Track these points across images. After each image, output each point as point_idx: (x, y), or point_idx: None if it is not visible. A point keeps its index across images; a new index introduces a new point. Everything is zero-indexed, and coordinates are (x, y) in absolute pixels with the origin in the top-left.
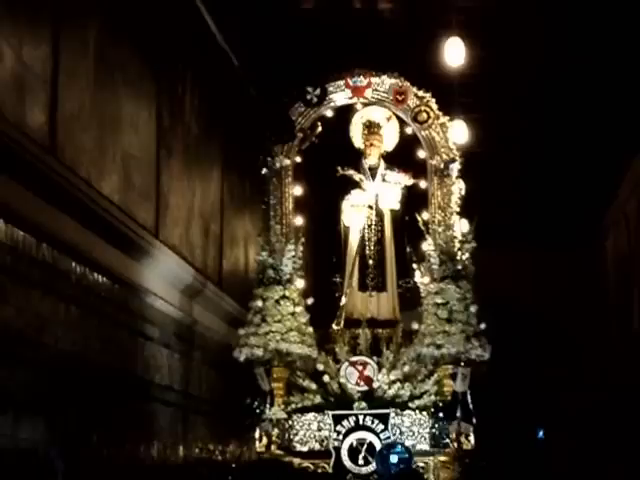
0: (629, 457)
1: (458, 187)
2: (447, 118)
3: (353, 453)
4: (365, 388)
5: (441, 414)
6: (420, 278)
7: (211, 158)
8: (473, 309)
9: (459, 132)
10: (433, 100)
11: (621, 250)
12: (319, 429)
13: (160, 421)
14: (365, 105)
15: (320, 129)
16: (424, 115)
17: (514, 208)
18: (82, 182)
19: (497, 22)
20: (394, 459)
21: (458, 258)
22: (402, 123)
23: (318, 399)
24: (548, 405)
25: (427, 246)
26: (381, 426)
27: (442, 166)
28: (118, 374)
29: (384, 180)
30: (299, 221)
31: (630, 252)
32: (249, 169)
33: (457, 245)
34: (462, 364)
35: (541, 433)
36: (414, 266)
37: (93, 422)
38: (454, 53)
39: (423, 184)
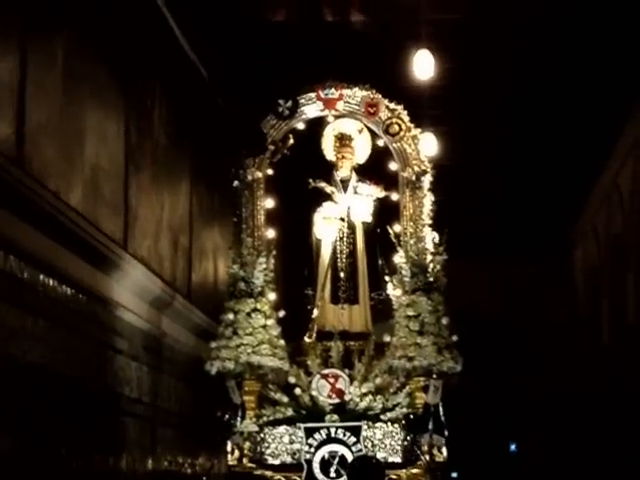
0: (600, 466)
1: (429, 199)
2: (419, 130)
3: (325, 466)
4: (337, 401)
5: (413, 426)
6: (392, 290)
7: (180, 170)
8: (445, 321)
9: (429, 144)
10: (405, 112)
11: (590, 262)
12: (291, 442)
13: (129, 434)
14: (337, 117)
15: (292, 141)
16: (395, 127)
17: (484, 219)
18: (50, 194)
19: (466, 34)
20: None
21: (429, 270)
22: (374, 135)
23: (290, 412)
24: (520, 417)
25: (399, 258)
26: (353, 439)
27: (414, 178)
28: (86, 387)
29: (356, 192)
30: (271, 234)
31: (599, 264)
32: (218, 182)
33: (429, 257)
34: (434, 376)
35: (513, 446)
36: (386, 278)
37: (61, 435)
38: (423, 66)
39: (395, 196)
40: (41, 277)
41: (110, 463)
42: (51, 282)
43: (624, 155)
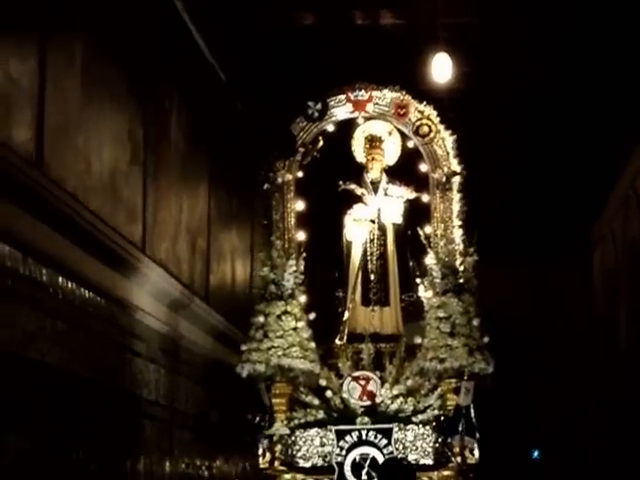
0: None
1: (460, 200)
2: (449, 132)
3: (356, 468)
4: (368, 403)
5: (444, 428)
6: (423, 292)
7: (198, 173)
8: (476, 322)
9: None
10: (434, 113)
11: (608, 265)
12: (322, 445)
13: (146, 436)
14: (366, 119)
15: (322, 144)
16: (425, 129)
17: (501, 222)
18: (68, 196)
19: (483, 38)
20: None
21: (460, 271)
22: (404, 137)
23: (321, 414)
24: (542, 423)
25: (429, 260)
26: (384, 441)
27: (444, 180)
28: (105, 389)
29: (386, 194)
30: (301, 236)
31: (617, 268)
32: (236, 185)
33: (459, 258)
34: (465, 378)
35: (536, 453)
36: (417, 280)
37: (80, 437)
38: (441, 69)
39: (425, 198)
40: (60, 280)
41: (128, 465)
42: (69, 285)
43: None
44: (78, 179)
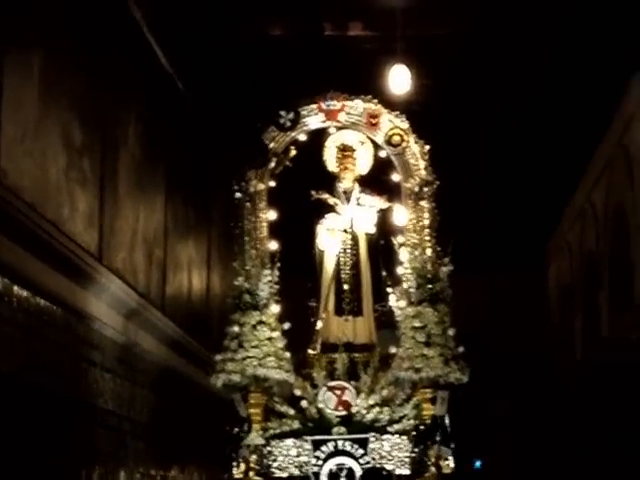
0: None
1: (433, 210)
2: (422, 141)
3: (333, 478)
4: (344, 413)
5: (420, 438)
6: (396, 302)
7: (155, 183)
8: (451, 332)
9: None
10: (407, 123)
11: (564, 278)
12: (298, 455)
13: (102, 445)
14: (339, 129)
15: (294, 153)
16: (397, 138)
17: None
18: (25, 206)
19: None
20: None
21: (435, 281)
22: (376, 146)
23: (296, 425)
24: (485, 433)
25: (403, 269)
26: (360, 451)
27: (416, 189)
28: (60, 398)
29: (359, 204)
30: (274, 246)
31: (573, 280)
32: (193, 194)
33: (433, 268)
34: (441, 387)
35: (478, 463)
36: (389, 290)
37: (34, 446)
38: (399, 80)
39: (398, 207)
40: (15, 288)
41: (83, 475)
42: (25, 294)
43: (598, 173)
44: (35, 188)
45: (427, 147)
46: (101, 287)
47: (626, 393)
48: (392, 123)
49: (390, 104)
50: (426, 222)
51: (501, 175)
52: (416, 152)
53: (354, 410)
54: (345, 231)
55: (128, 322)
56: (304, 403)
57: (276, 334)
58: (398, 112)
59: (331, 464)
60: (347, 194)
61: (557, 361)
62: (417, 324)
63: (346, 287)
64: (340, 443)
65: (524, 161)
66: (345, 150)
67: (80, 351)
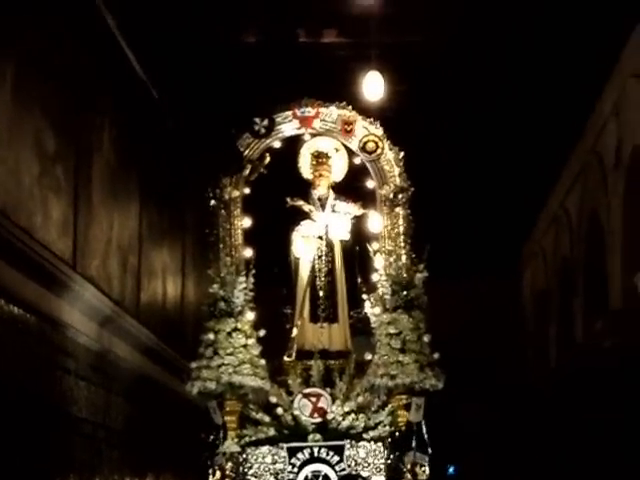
0: None
1: (408, 216)
2: (396, 148)
3: None
4: (319, 420)
5: (396, 445)
6: (371, 309)
7: (129, 190)
8: (426, 339)
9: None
10: (381, 130)
11: (538, 284)
12: (274, 462)
13: (77, 453)
14: (313, 135)
15: (268, 160)
16: (372, 145)
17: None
18: None
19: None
20: None
21: (410, 288)
22: (351, 153)
23: (272, 432)
24: (459, 439)
25: (378, 276)
26: (336, 458)
27: (391, 196)
28: (34, 406)
29: (334, 210)
30: (248, 253)
31: (547, 286)
32: (167, 202)
33: (408, 275)
34: (416, 394)
35: (452, 469)
36: (364, 297)
37: (8, 454)
38: (373, 86)
39: (373, 214)
40: None
41: None
42: None
43: (572, 179)
44: (8, 195)
45: (402, 154)
46: (75, 295)
47: (600, 399)
48: (367, 130)
49: (365, 111)
50: (401, 229)
51: (475, 181)
52: (391, 159)
53: (330, 417)
54: (320, 238)
55: (102, 329)
56: (279, 410)
57: (251, 341)
58: (372, 119)
59: (307, 471)
60: (322, 201)
61: (531, 367)
62: (392, 331)
63: (321, 294)
64: (316, 450)
65: (498, 167)
66: (320, 157)
67: (54, 359)
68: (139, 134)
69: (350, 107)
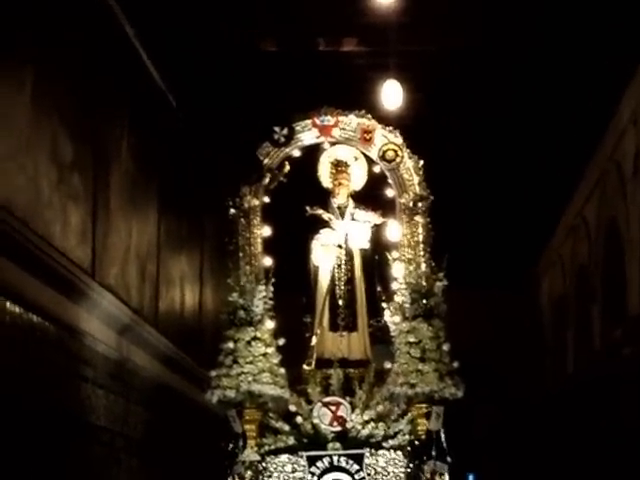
0: None
1: (427, 225)
2: (416, 156)
3: None
4: (339, 428)
5: (416, 454)
6: (390, 317)
7: (148, 198)
8: (446, 347)
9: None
10: (401, 138)
11: (556, 292)
12: (293, 471)
13: (95, 462)
14: (333, 144)
15: (288, 169)
16: (392, 154)
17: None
18: (18, 222)
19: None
20: None
21: (429, 296)
22: (370, 162)
23: (291, 440)
24: (479, 447)
25: (397, 285)
26: (356, 466)
27: (411, 204)
28: (53, 415)
29: (353, 219)
30: (268, 261)
31: (565, 294)
32: (185, 210)
33: (428, 283)
34: (436, 403)
35: (471, 477)
36: (384, 305)
37: (27, 463)
38: (392, 95)
39: (392, 223)
40: (8, 304)
41: None
42: (18, 310)
43: (590, 187)
44: (27, 204)
45: (421, 162)
46: (94, 303)
47: (618, 406)
48: (386, 138)
49: (383, 119)
50: (420, 237)
51: (493, 189)
52: (410, 167)
53: (349, 426)
54: (339, 246)
55: (121, 338)
56: (299, 419)
57: (271, 350)
58: (392, 127)
59: None
60: (341, 209)
61: (549, 374)
62: (412, 339)
63: (341, 302)
64: (335, 459)
65: (517, 175)
66: (339, 166)
67: (73, 367)
68: (157, 142)
69: (369, 116)
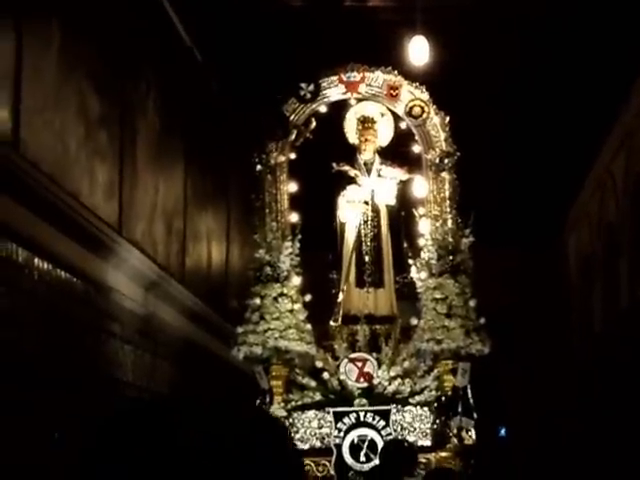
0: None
1: (453, 181)
2: (442, 112)
3: (355, 450)
4: (365, 385)
5: (442, 409)
6: (416, 274)
7: (174, 154)
8: (472, 303)
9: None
10: (427, 94)
11: (583, 248)
12: (320, 427)
13: None
14: (359, 100)
15: (314, 125)
16: (418, 110)
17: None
18: (45, 178)
19: (463, 22)
20: None
21: (456, 253)
22: (396, 118)
23: (318, 396)
24: (510, 403)
25: (424, 241)
26: (382, 422)
27: (437, 160)
28: (80, 370)
29: (379, 175)
30: (294, 218)
31: (592, 251)
32: (212, 166)
33: (454, 240)
34: (462, 359)
35: (503, 431)
36: (410, 261)
37: (56, 419)
38: (419, 51)
39: (419, 179)
40: (36, 260)
41: None
42: (46, 266)
43: (618, 143)
44: (55, 160)
45: (447, 118)
46: (121, 259)
47: None
48: (412, 94)
49: (410, 75)
50: (447, 193)
51: (520, 146)
52: (437, 123)
53: (375, 382)
54: (366, 203)
55: (148, 294)
56: (325, 375)
57: (297, 306)
58: (418, 83)
59: (353, 436)
60: (368, 166)
61: (576, 332)
62: (438, 296)
63: (367, 259)
64: (362, 415)
65: (543, 129)
66: (365, 122)
67: (100, 323)
68: (183, 98)
69: (396, 72)
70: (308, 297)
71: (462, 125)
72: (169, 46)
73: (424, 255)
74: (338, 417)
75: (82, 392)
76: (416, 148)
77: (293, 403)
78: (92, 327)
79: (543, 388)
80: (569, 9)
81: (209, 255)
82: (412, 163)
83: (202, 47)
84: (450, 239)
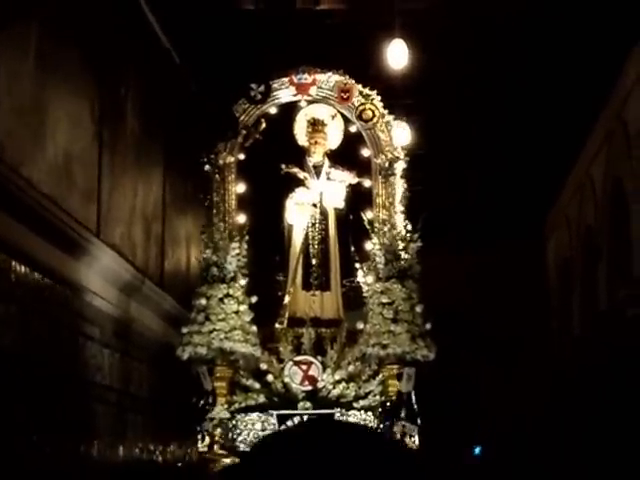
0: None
1: (402, 186)
2: (392, 117)
3: None
4: (309, 388)
5: (386, 414)
6: (363, 277)
7: (153, 157)
8: (419, 309)
9: (402, 133)
10: (378, 98)
11: (562, 251)
12: (263, 429)
13: (100, 421)
14: (309, 102)
15: (264, 126)
16: (369, 113)
17: (456, 208)
18: (22, 181)
19: (438, 24)
20: None
21: (403, 257)
22: (347, 121)
23: (262, 399)
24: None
25: (371, 245)
26: None
27: (387, 165)
28: (58, 373)
29: (328, 178)
30: (242, 219)
31: (572, 254)
32: (191, 168)
33: (402, 244)
34: (407, 364)
35: (477, 449)
36: (357, 265)
37: (33, 421)
38: (397, 55)
39: (367, 183)
40: (13, 263)
41: (81, 450)
42: (23, 269)
43: (597, 146)
44: (33, 163)
45: (395, 123)
46: (99, 262)
47: (623, 367)
48: (363, 98)
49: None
50: (396, 198)
51: (499, 149)
52: (386, 128)
53: (320, 385)
54: (314, 205)
55: (127, 297)
56: (270, 377)
57: (243, 307)
58: (369, 87)
59: None
60: (317, 168)
61: (555, 337)
62: (385, 300)
63: (314, 262)
64: (305, 418)
65: (522, 132)
66: (315, 124)
67: (77, 326)
68: (162, 101)
69: (347, 75)
70: (254, 299)
71: (438, 127)
72: (147, 48)
73: (372, 259)
74: (282, 420)
75: (60, 395)
76: (366, 152)
77: (237, 405)
78: (70, 330)
79: (521, 391)
80: (548, 11)
81: (188, 259)
82: (361, 167)
83: (179, 49)
84: (398, 243)
